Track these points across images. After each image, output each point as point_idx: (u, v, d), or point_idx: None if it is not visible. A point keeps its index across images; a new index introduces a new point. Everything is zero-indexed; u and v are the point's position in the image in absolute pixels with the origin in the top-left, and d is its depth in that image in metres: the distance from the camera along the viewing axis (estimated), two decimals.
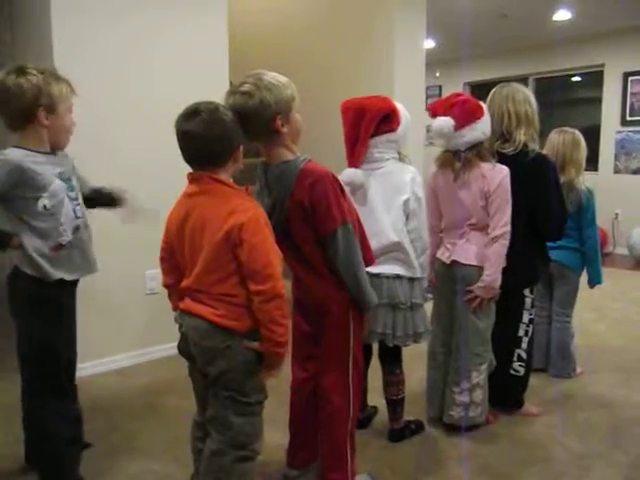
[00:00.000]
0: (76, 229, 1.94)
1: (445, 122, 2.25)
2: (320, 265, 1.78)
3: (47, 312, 1.91)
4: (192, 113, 1.56)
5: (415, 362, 2.59)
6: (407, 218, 2.14)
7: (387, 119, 2.12)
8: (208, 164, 1.60)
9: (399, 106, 2.20)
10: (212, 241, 1.55)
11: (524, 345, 2.54)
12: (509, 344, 2.53)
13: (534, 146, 2.44)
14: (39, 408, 1.95)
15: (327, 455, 1.91)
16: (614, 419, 2.57)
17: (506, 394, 2.56)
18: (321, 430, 1.92)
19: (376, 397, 2.49)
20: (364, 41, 4.38)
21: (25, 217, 1.84)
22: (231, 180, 1.66)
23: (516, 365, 2.54)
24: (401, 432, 2.40)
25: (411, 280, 2.18)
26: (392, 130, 2.14)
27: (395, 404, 2.36)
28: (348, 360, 1.84)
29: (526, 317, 2.53)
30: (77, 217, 1.95)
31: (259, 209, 1.59)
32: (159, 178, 2.98)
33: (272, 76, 1.68)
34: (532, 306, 2.54)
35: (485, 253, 2.29)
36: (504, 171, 2.27)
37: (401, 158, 2.21)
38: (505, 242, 2.27)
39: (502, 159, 2.35)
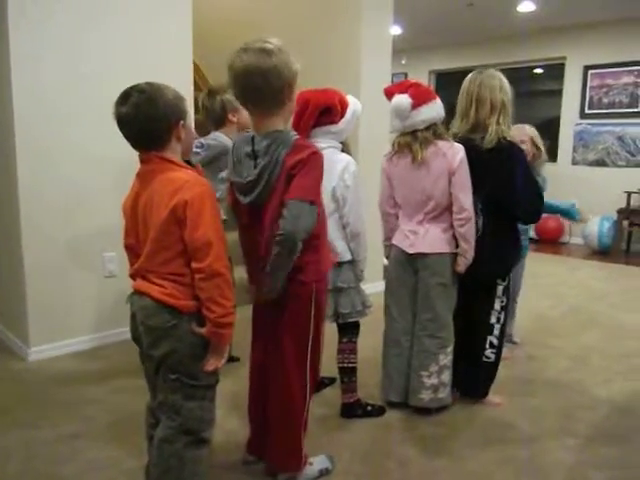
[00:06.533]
0: None
1: (404, 99, 2.31)
2: None
3: None
4: (124, 97, 1.53)
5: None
6: (339, 204, 2.21)
7: (327, 112, 2.18)
8: (149, 146, 1.57)
9: (351, 99, 2.28)
10: (158, 219, 1.52)
11: (496, 332, 2.53)
12: (481, 331, 2.53)
13: (507, 134, 2.40)
14: None
15: (281, 441, 1.89)
16: (566, 403, 2.64)
17: (475, 383, 2.58)
18: (275, 415, 1.88)
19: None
20: (331, 26, 4.34)
21: None
22: (179, 158, 1.63)
23: (488, 352, 2.54)
24: (352, 407, 2.43)
25: (339, 265, 2.24)
26: (333, 122, 2.21)
27: (349, 373, 2.41)
28: (307, 347, 1.83)
29: (498, 304, 2.52)
30: None
31: (206, 187, 1.55)
32: (123, 160, 2.91)
33: (284, 44, 1.63)
34: (504, 293, 2.53)
35: (458, 234, 2.34)
36: (461, 150, 2.32)
37: (344, 148, 2.28)
38: (472, 222, 2.34)
39: (475, 152, 2.34)
